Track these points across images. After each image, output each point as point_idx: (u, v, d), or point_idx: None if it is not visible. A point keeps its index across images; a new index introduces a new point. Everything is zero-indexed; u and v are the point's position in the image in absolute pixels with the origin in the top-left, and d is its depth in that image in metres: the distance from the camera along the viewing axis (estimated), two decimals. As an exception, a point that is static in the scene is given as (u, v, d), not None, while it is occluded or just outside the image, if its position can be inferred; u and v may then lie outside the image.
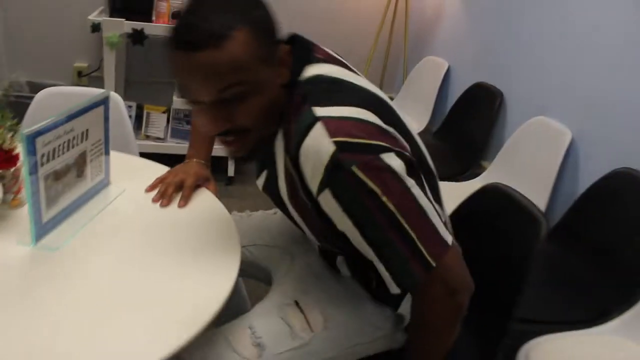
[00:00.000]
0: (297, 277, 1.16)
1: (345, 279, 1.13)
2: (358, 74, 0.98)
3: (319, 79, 0.90)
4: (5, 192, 1.07)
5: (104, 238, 1.04)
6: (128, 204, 1.17)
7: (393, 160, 0.83)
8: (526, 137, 2.30)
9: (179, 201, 1.21)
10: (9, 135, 1.02)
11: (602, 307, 1.53)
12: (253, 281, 1.37)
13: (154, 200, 1.20)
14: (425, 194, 0.88)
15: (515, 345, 1.36)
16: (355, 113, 0.85)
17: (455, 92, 2.93)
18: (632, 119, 1.87)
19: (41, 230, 0.98)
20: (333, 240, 1.01)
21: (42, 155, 0.93)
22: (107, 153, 1.19)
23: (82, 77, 3.08)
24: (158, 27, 2.58)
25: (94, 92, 1.74)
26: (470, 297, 0.90)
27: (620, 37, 1.94)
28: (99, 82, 2.86)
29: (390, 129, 0.88)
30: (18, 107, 1.49)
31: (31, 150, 0.90)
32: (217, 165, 2.78)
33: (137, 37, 2.54)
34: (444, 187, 1.04)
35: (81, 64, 3.10)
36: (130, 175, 1.29)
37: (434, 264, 0.84)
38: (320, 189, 0.84)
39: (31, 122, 1.05)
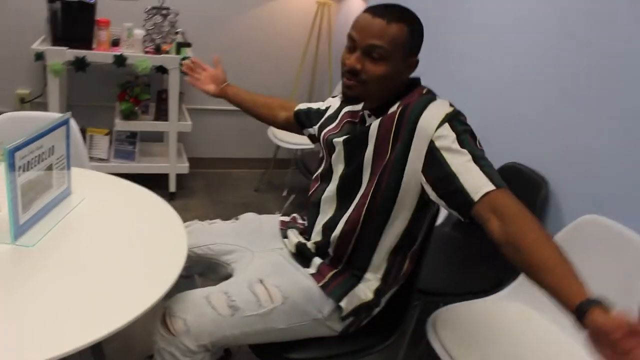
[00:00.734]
0: (258, 267, 1.41)
1: (302, 272, 1.38)
2: None
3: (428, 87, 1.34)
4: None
5: (70, 236, 1.25)
6: (88, 209, 1.38)
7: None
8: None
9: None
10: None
11: (497, 278, 1.84)
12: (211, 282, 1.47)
13: (185, 68, 1.78)
14: None
15: (424, 317, 1.63)
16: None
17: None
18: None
19: (19, 230, 1.17)
20: (353, 216, 1.32)
21: (19, 167, 1.13)
22: (68, 167, 1.38)
23: (25, 103, 3.11)
24: (98, 55, 2.71)
25: (42, 116, 1.92)
26: None
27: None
28: (42, 108, 2.93)
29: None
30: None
31: (11, 163, 1.10)
32: (159, 182, 2.95)
33: (79, 64, 2.69)
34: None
35: (23, 90, 3.14)
36: (88, 186, 1.49)
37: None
38: (440, 124, 1.19)
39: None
